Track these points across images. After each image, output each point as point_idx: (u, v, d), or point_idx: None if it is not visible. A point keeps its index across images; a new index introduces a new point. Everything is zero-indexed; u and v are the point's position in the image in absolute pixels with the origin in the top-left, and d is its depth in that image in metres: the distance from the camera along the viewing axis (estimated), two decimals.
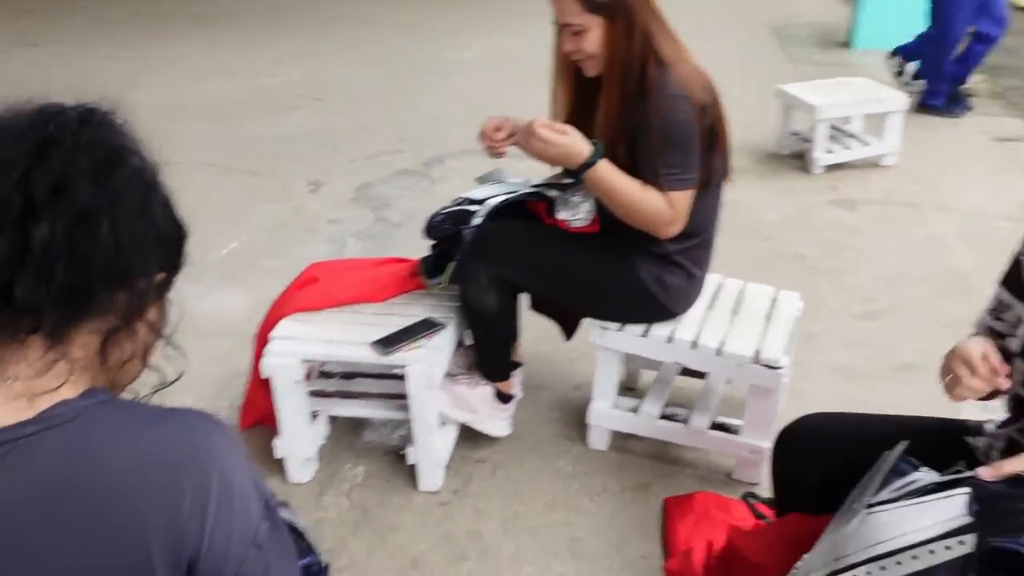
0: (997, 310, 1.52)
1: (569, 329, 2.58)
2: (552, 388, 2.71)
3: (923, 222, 3.92)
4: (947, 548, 1.18)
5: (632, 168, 2.02)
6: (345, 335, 2.25)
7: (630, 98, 1.99)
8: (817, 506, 1.59)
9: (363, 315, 2.34)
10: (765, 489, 2.25)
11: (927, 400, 2.63)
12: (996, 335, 1.52)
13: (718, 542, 1.96)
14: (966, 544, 1.17)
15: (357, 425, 2.55)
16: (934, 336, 3.01)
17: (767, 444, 2.23)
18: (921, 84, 5.58)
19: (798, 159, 4.59)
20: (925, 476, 1.33)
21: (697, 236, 2.16)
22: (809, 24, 8.09)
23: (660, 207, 2.01)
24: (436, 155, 4.89)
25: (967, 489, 1.23)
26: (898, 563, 1.22)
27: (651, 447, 2.44)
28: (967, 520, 1.19)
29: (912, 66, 5.68)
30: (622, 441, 2.45)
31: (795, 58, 6.86)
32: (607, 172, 2.00)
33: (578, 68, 2.09)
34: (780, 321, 2.31)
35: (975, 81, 7.18)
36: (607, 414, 2.38)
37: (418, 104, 5.90)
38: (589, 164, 1.99)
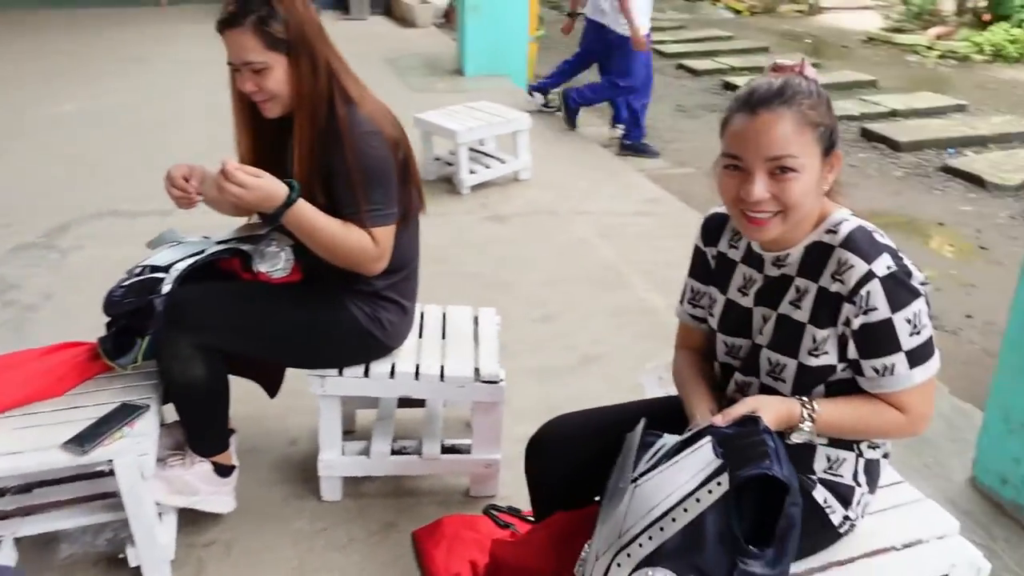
0: (693, 300, 1.72)
1: (273, 386, 2.45)
2: (267, 449, 2.57)
3: (566, 227, 4.33)
4: (709, 492, 1.32)
5: (331, 208, 1.99)
6: (26, 442, 1.93)
7: (322, 137, 1.96)
8: (577, 501, 1.70)
9: (41, 414, 2.02)
10: (503, 499, 2.34)
11: (613, 385, 2.94)
12: (698, 320, 1.73)
13: (481, 560, 2.00)
14: (723, 484, 1.32)
15: (49, 540, 2.20)
16: (604, 326, 3.35)
17: (499, 456, 2.33)
18: (539, 100, 6.21)
19: (446, 182, 4.83)
20: (669, 440, 1.48)
21: (404, 269, 2.18)
22: (419, 55, 8.54)
23: (365, 244, 2.00)
24: (58, 224, 4.38)
25: (708, 438, 1.39)
26: (673, 520, 1.34)
27: (385, 485, 2.41)
28: (718, 463, 1.34)
29: (551, 96, 6.35)
30: (355, 487, 2.39)
31: (416, 87, 7.19)
32: (308, 212, 1.94)
33: (256, 112, 2.01)
34: (487, 337, 2.41)
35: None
36: (338, 462, 2.31)
37: (20, 170, 5.22)
38: (289, 204, 1.91)
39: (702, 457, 1.36)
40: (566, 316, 3.41)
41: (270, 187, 1.89)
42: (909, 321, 1.40)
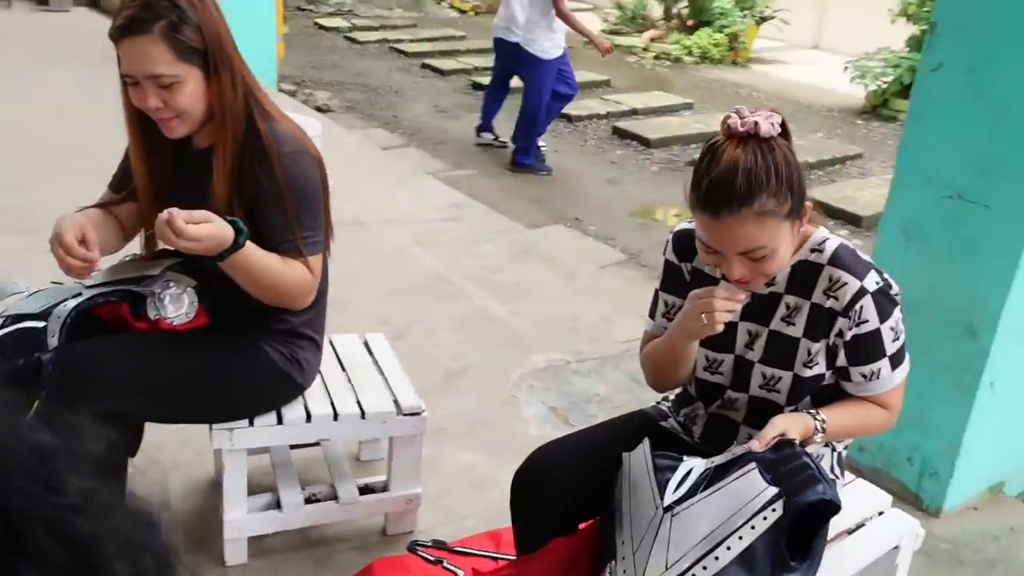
0: (667, 313, 1.74)
1: (134, 445, 2.15)
2: None
3: (380, 237, 4.20)
4: (764, 519, 1.37)
5: (254, 236, 1.76)
6: None
7: (244, 158, 1.75)
8: (571, 527, 1.68)
9: None
10: (422, 532, 2.25)
11: (486, 399, 2.91)
12: None
13: None
14: (777, 510, 1.38)
15: None
16: (455, 339, 3.31)
17: (420, 489, 2.23)
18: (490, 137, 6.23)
19: None
20: (695, 463, 1.51)
21: (319, 302, 2.00)
22: None
23: (304, 276, 1.81)
24: None
25: (752, 464, 1.43)
26: (728, 548, 1.38)
27: (292, 539, 2.20)
28: (773, 491, 1.39)
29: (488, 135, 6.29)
30: (259, 544, 2.16)
31: None
32: (253, 252, 1.72)
33: (153, 131, 1.75)
34: (389, 365, 2.29)
35: (324, 99, 7.84)
36: (247, 521, 2.08)
37: None
38: (239, 246, 1.67)
39: (750, 484, 1.40)
40: (415, 331, 3.32)
41: (221, 233, 1.64)
42: (892, 329, 1.54)
